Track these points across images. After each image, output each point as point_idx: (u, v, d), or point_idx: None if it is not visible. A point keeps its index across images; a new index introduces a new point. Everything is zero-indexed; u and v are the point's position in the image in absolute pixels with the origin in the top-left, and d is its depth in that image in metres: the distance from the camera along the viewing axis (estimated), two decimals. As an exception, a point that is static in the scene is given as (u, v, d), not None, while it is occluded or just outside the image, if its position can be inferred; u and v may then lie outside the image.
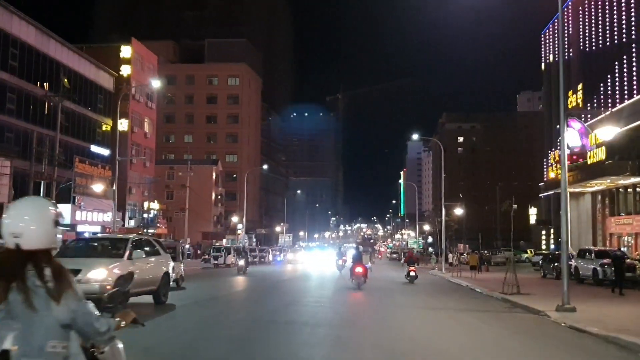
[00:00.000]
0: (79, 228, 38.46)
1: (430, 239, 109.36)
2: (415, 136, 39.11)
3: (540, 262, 33.80)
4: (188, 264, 43.63)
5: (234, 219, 67.30)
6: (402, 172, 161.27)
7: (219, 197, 77.25)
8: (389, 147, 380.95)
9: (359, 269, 22.29)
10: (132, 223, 49.31)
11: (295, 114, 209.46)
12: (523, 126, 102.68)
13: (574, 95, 41.85)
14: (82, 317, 2.47)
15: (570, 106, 42.91)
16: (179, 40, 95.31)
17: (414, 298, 20.31)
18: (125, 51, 48.80)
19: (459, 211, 43.57)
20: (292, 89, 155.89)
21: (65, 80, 38.11)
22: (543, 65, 58.04)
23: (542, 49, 58.17)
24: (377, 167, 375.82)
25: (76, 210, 38.36)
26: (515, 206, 24.65)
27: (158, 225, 52.35)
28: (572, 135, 41.02)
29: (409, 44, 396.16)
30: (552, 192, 45.04)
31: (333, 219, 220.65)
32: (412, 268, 26.97)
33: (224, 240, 69.03)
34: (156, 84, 42.97)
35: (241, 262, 32.64)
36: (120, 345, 2.95)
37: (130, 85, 47.60)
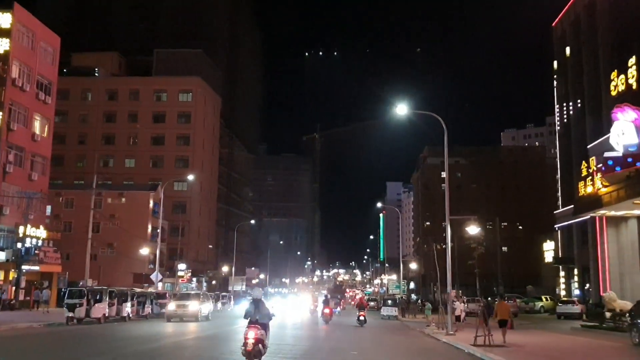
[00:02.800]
0: None
1: (412, 285, 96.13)
2: (402, 108, 26.15)
3: (630, 317, 19.52)
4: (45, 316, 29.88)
5: (143, 250, 52.58)
6: (381, 214, 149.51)
7: (159, 231, 63.18)
8: (368, 187, 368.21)
9: (326, 310, 31.86)
10: (2, 256, 35.20)
11: (269, 152, 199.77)
12: (511, 161, 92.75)
13: (621, 77, 29.74)
14: (267, 313, 13.53)
15: (614, 92, 30.86)
16: (128, 54, 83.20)
17: None
18: (4, 20, 35.70)
19: (473, 230, 29.18)
20: (264, 122, 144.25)
21: None
22: (555, 63, 46.56)
23: (554, 45, 46.86)
24: (356, 210, 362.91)
25: None
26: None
27: (38, 258, 37.77)
28: (622, 130, 28.92)
29: (389, 80, 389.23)
30: (588, 216, 32.46)
31: (308, 263, 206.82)
32: (362, 313, 30.64)
33: (160, 285, 54.79)
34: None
35: None
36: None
37: (9, 65, 34.56)
